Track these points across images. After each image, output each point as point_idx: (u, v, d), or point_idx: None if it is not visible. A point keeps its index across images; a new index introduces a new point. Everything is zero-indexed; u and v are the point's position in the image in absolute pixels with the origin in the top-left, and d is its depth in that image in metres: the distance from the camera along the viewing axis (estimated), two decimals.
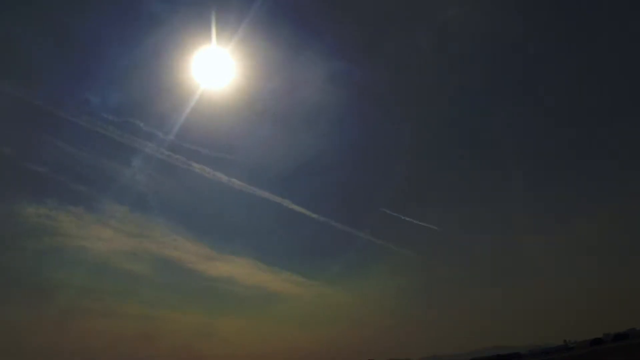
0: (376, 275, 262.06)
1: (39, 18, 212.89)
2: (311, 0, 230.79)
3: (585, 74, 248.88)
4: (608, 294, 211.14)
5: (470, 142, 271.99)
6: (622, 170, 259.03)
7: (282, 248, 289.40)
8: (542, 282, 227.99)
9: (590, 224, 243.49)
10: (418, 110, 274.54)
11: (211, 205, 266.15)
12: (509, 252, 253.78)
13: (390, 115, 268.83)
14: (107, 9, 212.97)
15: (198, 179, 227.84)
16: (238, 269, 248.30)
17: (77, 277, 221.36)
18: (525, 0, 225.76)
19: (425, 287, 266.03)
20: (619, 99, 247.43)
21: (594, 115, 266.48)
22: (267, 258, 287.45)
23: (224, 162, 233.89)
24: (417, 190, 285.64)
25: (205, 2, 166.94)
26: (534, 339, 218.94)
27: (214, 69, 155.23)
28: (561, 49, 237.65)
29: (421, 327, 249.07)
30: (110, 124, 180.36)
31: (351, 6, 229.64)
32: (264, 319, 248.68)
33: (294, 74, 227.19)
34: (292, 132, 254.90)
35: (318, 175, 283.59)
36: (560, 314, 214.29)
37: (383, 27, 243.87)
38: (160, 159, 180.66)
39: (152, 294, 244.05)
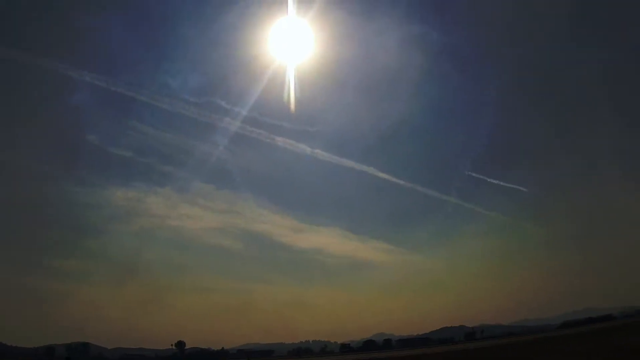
0: (464, 239, 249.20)
1: (113, 4, 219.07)
2: None
3: None
4: None
5: (557, 99, 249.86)
6: None
7: (369, 216, 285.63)
8: (635, 242, 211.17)
9: None
10: (500, 69, 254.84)
11: (296, 178, 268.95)
12: (600, 211, 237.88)
13: (471, 76, 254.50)
14: None
15: (282, 153, 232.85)
16: (326, 239, 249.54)
17: (169, 255, 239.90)
18: None
19: (514, 250, 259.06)
20: None
21: None
22: (355, 227, 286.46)
23: (306, 134, 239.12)
24: (503, 152, 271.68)
25: None
26: (626, 301, 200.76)
27: (292, 41, 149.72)
28: None
29: (511, 291, 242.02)
30: (191, 104, 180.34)
31: None
32: (353, 287, 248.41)
33: (372, 41, 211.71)
34: (373, 100, 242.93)
35: (401, 142, 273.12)
36: None
37: None
38: (243, 135, 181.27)
39: (243, 268, 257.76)
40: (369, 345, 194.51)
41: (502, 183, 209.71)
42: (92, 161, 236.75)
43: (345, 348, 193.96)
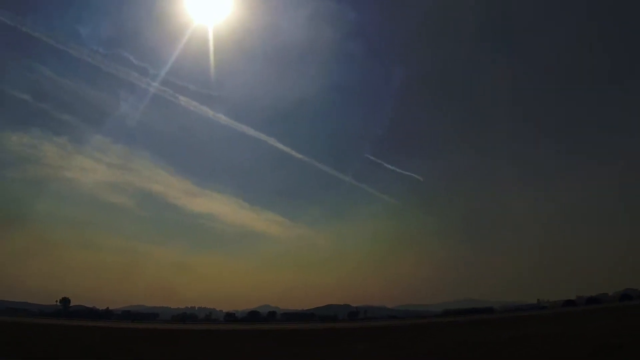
0: (357, 220, 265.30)
1: None
2: None
3: None
4: (586, 256, 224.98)
5: (459, 92, 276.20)
6: (608, 131, 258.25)
7: (266, 187, 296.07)
8: (523, 240, 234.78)
9: (576, 183, 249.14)
10: (411, 59, 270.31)
11: (196, 141, 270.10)
12: (491, 209, 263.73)
13: (381, 61, 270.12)
14: None
15: (184, 114, 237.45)
16: (220, 206, 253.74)
17: (59, 207, 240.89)
18: None
19: (405, 236, 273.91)
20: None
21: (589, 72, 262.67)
22: (250, 197, 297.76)
23: (211, 98, 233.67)
24: (403, 139, 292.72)
25: None
26: (507, 296, 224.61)
27: (207, 3, 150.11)
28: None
29: (397, 276, 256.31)
30: (99, 54, 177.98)
31: None
32: (242, 257, 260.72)
33: (288, 12, 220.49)
34: (282, 72, 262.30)
35: (304, 117, 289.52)
36: (536, 273, 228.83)
37: None
38: (147, 91, 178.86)
39: (133, 227, 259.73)
40: (253, 315, 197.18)
41: (398, 170, 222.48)
42: None
43: (230, 317, 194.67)
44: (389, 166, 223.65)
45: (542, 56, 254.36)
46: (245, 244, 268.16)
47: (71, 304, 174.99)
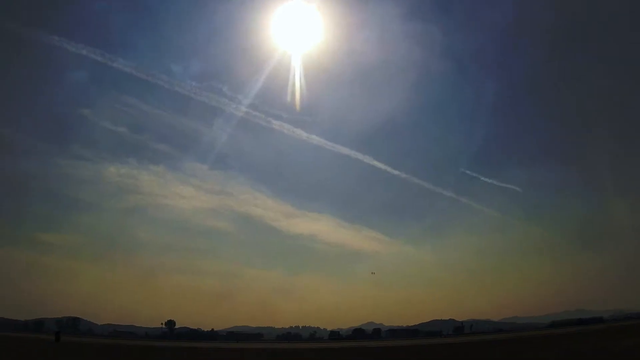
0: (458, 235, 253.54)
1: None
2: None
3: None
4: None
5: (556, 102, 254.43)
6: None
7: (363, 205, 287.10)
8: (629, 248, 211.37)
9: None
10: (500, 72, 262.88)
11: (292, 163, 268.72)
12: (595, 217, 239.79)
13: (472, 76, 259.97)
14: None
15: (277, 137, 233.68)
16: (319, 226, 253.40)
17: (160, 234, 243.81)
18: None
19: (507, 248, 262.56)
20: None
21: None
22: (348, 215, 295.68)
23: (303, 122, 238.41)
24: (499, 151, 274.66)
25: None
26: (617, 304, 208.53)
27: (296, 27, 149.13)
28: None
29: (502, 288, 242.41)
30: (191, 86, 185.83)
31: None
32: (344, 275, 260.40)
33: (376, 33, 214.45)
34: (374, 92, 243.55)
35: (399, 134, 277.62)
36: None
37: None
38: (240, 118, 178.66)
39: (234, 251, 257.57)
40: (358, 333, 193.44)
41: (496, 182, 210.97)
42: (86, 136, 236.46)
43: (335, 335, 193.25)
44: (486, 179, 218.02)
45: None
46: (346, 263, 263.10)
47: (176, 326, 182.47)
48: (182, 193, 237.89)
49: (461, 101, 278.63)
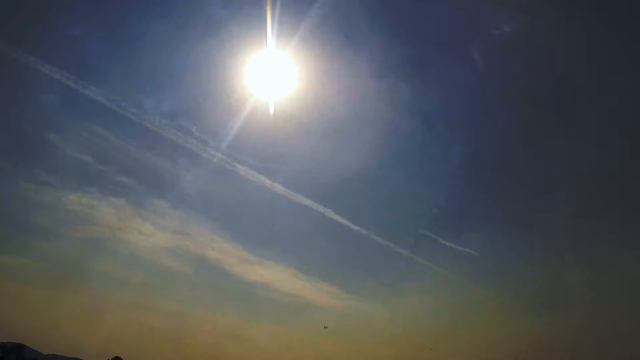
0: (414, 293, 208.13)
1: (100, 17, 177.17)
2: (364, 11, 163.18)
3: None
4: None
5: (521, 168, 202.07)
6: None
7: (321, 258, 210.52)
8: (582, 314, 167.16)
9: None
10: (468, 134, 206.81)
11: (253, 210, 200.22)
12: (550, 282, 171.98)
13: (440, 139, 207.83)
14: (162, 11, 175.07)
15: (242, 183, 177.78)
16: (275, 275, 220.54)
17: (114, 268, 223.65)
18: None
19: (463, 311, 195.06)
20: None
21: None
22: (305, 267, 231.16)
23: (269, 170, 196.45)
24: (459, 216, 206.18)
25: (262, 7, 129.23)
26: None
27: (266, 76, 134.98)
28: None
29: (456, 348, 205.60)
30: (162, 123, 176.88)
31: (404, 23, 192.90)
32: (296, 326, 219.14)
33: (346, 90, 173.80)
34: (340, 147, 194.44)
35: (362, 190, 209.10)
36: (589, 355, 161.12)
37: (436, 47, 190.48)
38: (206, 160, 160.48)
39: (187, 292, 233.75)
40: None
41: (454, 246, 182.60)
42: (50, 161, 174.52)
43: None
44: (445, 242, 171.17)
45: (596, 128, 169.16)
46: (300, 314, 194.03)
47: None
48: (141, 229, 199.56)
49: (426, 161, 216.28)
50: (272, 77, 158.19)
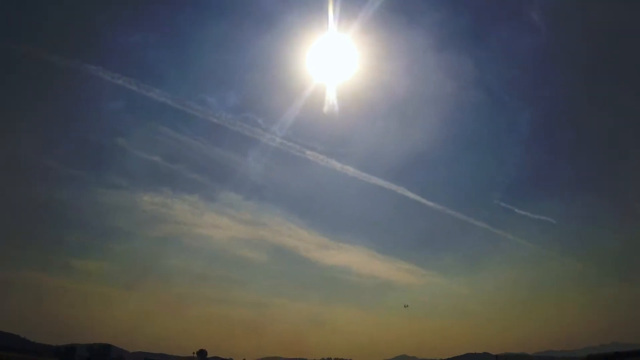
0: (492, 266, 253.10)
1: (159, 24, 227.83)
2: None
3: None
4: None
5: (590, 132, 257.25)
6: None
7: (397, 237, 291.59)
8: None
9: None
10: (532, 100, 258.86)
11: (326, 194, 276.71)
12: (631, 246, 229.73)
13: (503, 106, 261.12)
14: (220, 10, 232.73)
15: (312, 168, 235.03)
16: (352, 258, 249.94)
17: (193, 264, 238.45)
18: None
19: (542, 280, 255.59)
20: None
21: None
22: (381, 247, 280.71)
23: (338, 154, 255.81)
24: (533, 184, 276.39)
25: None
26: None
27: (329, 59, 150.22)
28: None
29: (537, 321, 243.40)
30: (227, 118, 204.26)
31: None
32: (377, 307, 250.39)
33: (406, 67, 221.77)
34: (406, 124, 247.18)
35: (433, 166, 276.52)
36: None
37: (493, 17, 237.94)
38: (273, 148, 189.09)
39: (267, 282, 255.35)
40: None
41: (530, 214, 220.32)
42: (121, 165, 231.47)
43: None
44: (520, 211, 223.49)
45: None
46: (379, 294, 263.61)
47: (208, 356, 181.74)
48: (216, 223, 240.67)
49: (494, 132, 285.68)
50: (335, 61, 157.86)
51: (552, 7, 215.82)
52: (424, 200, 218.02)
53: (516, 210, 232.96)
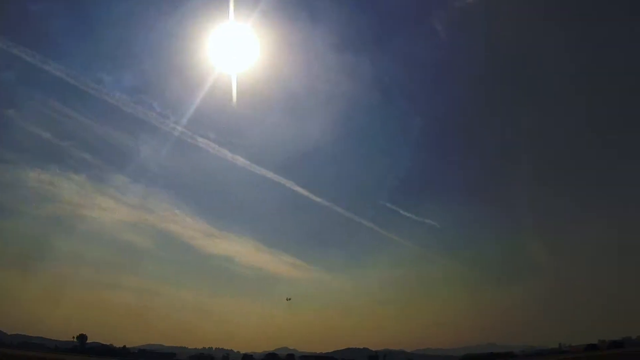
0: (376, 265, 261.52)
1: None
2: None
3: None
4: (607, 300, 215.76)
5: (479, 140, 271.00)
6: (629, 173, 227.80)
7: (283, 230, 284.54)
8: (542, 284, 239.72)
9: (597, 227, 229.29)
10: (427, 109, 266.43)
11: (215, 183, 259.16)
12: (511, 252, 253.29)
13: (397, 109, 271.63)
14: None
15: (203, 156, 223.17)
16: (237, 248, 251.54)
17: (77, 246, 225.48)
18: None
19: (424, 281, 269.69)
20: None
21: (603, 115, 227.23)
22: (267, 239, 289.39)
23: (230, 143, 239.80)
24: (420, 186, 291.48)
25: None
26: (528, 340, 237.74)
27: (228, 50, 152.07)
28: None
29: (417, 319, 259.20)
30: (122, 99, 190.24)
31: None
32: (259, 299, 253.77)
33: (307, 64, 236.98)
34: (301, 120, 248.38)
35: (323, 162, 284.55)
36: (557, 317, 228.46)
37: (395, 21, 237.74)
38: (167, 134, 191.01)
39: (152, 268, 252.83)
40: (271, 358, 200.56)
41: (414, 217, 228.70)
42: (8, 138, 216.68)
43: (248, 358, 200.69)
44: (405, 213, 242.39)
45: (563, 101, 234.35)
46: (262, 286, 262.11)
47: (88, 341, 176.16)
48: (102, 205, 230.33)
49: (386, 134, 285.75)
50: (234, 51, 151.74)
51: (454, 19, 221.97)
52: (312, 196, 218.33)
53: (401, 211, 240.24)
